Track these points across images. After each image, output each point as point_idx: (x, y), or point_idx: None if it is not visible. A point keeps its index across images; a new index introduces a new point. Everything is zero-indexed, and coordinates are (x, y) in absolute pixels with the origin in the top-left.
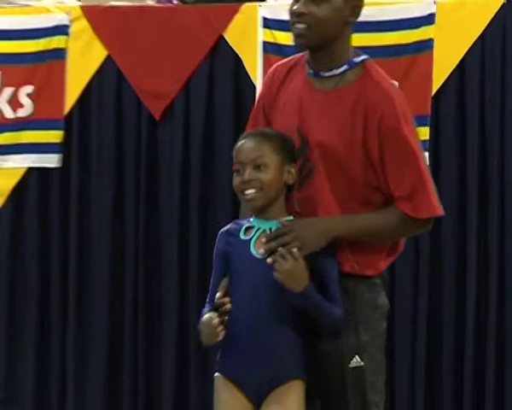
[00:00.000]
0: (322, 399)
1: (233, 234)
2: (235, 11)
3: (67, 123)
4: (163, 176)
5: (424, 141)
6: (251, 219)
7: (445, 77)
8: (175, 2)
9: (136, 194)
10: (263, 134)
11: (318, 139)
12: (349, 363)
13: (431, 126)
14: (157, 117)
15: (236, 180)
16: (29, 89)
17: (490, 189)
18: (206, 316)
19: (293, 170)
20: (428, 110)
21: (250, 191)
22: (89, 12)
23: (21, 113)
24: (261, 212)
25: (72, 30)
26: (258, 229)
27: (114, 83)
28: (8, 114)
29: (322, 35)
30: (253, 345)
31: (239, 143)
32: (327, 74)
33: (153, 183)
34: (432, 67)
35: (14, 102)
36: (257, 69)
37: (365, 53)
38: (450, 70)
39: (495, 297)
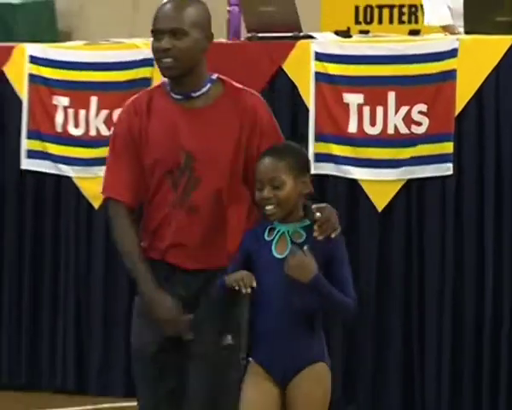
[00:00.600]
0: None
1: (258, 234)
2: (292, 46)
3: None
4: None
5: (449, 154)
6: (274, 222)
7: (466, 101)
8: (242, 39)
9: None
10: (279, 153)
11: (208, 150)
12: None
13: (454, 142)
14: None
15: (257, 196)
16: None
17: (504, 192)
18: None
19: (307, 180)
20: (452, 128)
21: (269, 207)
22: None
23: None
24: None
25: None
26: (278, 231)
27: None
28: (104, 131)
29: (187, 64)
30: (278, 335)
31: (259, 162)
32: (196, 94)
33: None
34: (455, 92)
35: (110, 122)
36: (310, 95)
37: (400, 81)
38: (471, 95)
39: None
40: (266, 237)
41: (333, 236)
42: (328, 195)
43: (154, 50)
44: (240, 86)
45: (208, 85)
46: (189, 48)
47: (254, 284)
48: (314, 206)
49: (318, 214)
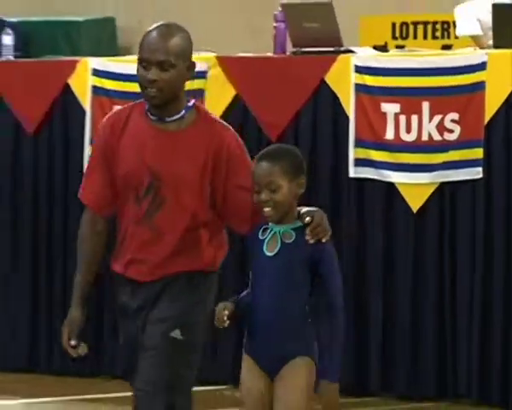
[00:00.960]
0: None
1: (255, 233)
2: (334, 60)
3: None
4: None
5: (479, 159)
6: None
7: (495, 110)
8: (288, 53)
9: None
10: (274, 157)
11: (173, 173)
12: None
13: (484, 148)
14: (273, 139)
15: (255, 198)
16: None
17: None
18: (220, 304)
19: (302, 181)
20: (482, 135)
21: (267, 209)
22: (221, 61)
23: None
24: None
25: (209, 75)
26: (270, 230)
27: (241, 115)
28: None
29: (170, 94)
30: (267, 330)
31: (256, 165)
32: (171, 119)
33: None
34: (484, 102)
35: None
36: (350, 105)
37: (433, 92)
38: (499, 104)
39: None
40: (260, 236)
41: (324, 240)
42: (367, 197)
43: (141, 79)
44: (214, 117)
45: (183, 112)
46: (173, 79)
47: (226, 322)
48: (305, 209)
49: (308, 219)
